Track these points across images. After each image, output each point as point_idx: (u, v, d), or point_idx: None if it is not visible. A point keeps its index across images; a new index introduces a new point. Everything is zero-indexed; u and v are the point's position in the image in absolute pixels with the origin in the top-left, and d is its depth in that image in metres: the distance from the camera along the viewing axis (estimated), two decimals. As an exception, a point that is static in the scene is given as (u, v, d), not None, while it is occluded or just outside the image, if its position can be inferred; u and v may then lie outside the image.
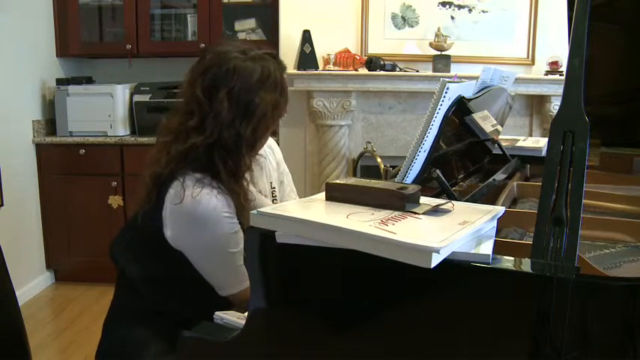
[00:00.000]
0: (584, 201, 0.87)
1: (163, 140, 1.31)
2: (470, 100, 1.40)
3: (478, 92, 1.50)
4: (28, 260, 3.34)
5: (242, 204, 1.29)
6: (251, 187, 1.47)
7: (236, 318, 1.12)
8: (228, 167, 1.26)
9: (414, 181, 1.22)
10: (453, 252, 0.85)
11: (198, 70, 1.29)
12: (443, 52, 3.33)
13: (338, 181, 1.07)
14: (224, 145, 1.25)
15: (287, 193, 1.94)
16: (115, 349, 1.35)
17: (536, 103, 3.48)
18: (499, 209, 1.03)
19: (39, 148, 3.40)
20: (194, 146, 1.25)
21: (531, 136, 3.38)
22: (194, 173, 1.25)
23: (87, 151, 3.39)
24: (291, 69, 3.27)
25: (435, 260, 0.81)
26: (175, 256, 1.26)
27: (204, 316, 1.26)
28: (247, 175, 1.35)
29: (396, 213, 0.96)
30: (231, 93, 1.25)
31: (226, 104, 1.24)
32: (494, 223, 1.00)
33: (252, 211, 0.99)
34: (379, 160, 2.43)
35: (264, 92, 1.28)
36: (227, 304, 1.31)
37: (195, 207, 1.22)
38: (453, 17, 3.41)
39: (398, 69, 3.35)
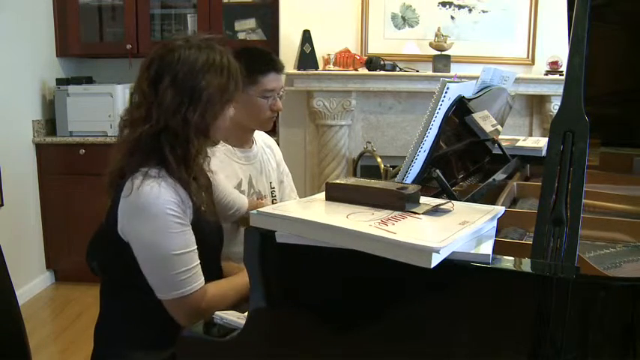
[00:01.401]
0: (584, 201, 0.87)
1: (119, 137, 1.32)
2: (470, 100, 1.40)
3: (478, 92, 1.50)
4: (28, 260, 3.34)
5: (195, 192, 1.27)
6: (212, 175, 1.45)
7: (236, 318, 1.12)
8: (176, 155, 1.24)
9: (414, 181, 1.22)
10: (453, 252, 0.85)
11: (145, 64, 1.29)
12: (443, 52, 3.33)
13: (338, 181, 1.07)
14: (172, 132, 1.24)
15: (287, 193, 1.94)
16: (104, 353, 1.35)
17: (536, 103, 3.48)
18: (499, 209, 1.03)
19: (39, 148, 3.40)
20: (141, 136, 1.24)
21: (531, 136, 3.38)
22: (144, 167, 1.24)
23: (87, 151, 3.39)
24: (291, 69, 3.27)
25: (435, 260, 0.81)
26: (130, 252, 1.25)
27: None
28: (201, 161, 1.33)
29: (396, 213, 0.96)
30: (175, 80, 1.24)
31: (170, 91, 1.23)
32: (494, 223, 1.00)
33: (252, 211, 0.99)
34: (379, 160, 2.44)
35: (210, 76, 1.26)
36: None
37: (137, 197, 1.21)
38: (453, 17, 3.41)
39: (398, 69, 3.35)
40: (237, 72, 1.32)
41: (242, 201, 1.62)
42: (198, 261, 1.26)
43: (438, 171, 1.26)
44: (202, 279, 1.26)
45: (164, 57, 1.26)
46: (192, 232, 1.26)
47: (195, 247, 1.26)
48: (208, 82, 1.26)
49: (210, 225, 1.35)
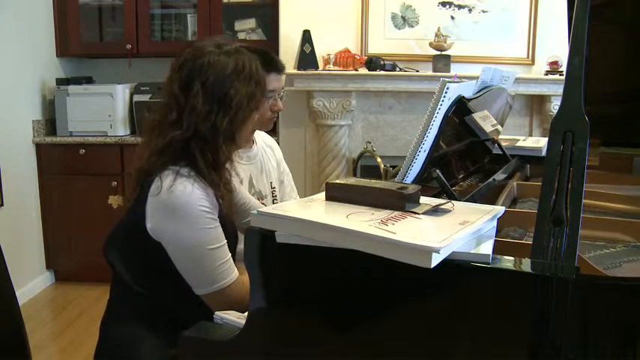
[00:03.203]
0: (584, 201, 0.87)
1: (147, 137, 1.34)
2: (470, 100, 1.40)
3: (478, 92, 1.50)
4: (28, 260, 3.34)
5: (223, 194, 1.30)
6: (234, 180, 1.45)
7: (236, 318, 1.12)
8: (207, 159, 1.27)
9: (414, 181, 1.22)
10: (453, 252, 0.85)
11: (176, 66, 1.31)
12: (443, 52, 3.33)
13: (338, 181, 1.07)
14: (201, 138, 1.26)
15: (287, 193, 1.94)
16: (111, 348, 1.35)
17: (536, 103, 3.48)
18: (499, 209, 1.03)
19: (39, 148, 3.40)
20: (172, 141, 1.26)
21: (531, 136, 3.38)
22: (173, 166, 1.26)
23: (87, 151, 3.39)
24: (291, 69, 3.27)
25: (435, 260, 0.81)
26: (158, 250, 1.27)
27: (197, 311, 1.26)
28: (229, 166, 1.35)
29: (396, 213, 0.96)
30: (205, 86, 1.26)
31: (201, 97, 1.26)
32: (494, 223, 1.00)
33: (252, 211, 0.99)
34: (379, 160, 2.44)
35: (239, 84, 1.29)
36: None
37: (171, 196, 1.23)
38: (453, 17, 3.41)
39: (398, 69, 3.35)
40: (264, 79, 1.36)
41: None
42: (230, 253, 1.31)
43: (438, 171, 1.26)
44: (236, 270, 1.31)
45: (195, 61, 1.28)
46: (220, 226, 1.30)
47: (225, 240, 1.30)
48: (237, 90, 1.28)
49: (229, 226, 1.38)
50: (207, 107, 1.26)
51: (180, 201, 1.23)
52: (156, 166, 1.27)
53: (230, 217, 1.40)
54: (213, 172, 1.28)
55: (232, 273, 1.30)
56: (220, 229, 1.29)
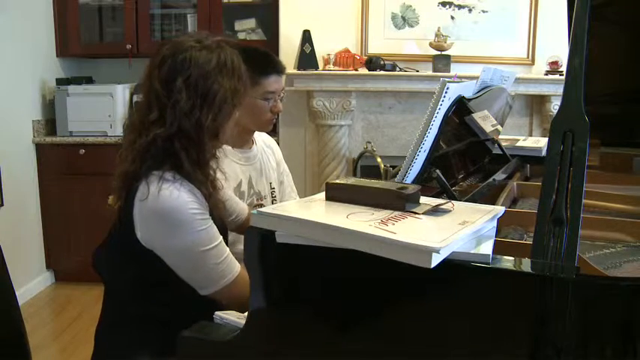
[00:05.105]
0: (584, 201, 0.87)
1: (128, 137, 1.29)
2: (470, 100, 1.40)
3: (478, 92, 1.50)
4: (28, 260, 3.34)
5: (210, 192, 1.28)
6: (219, 175, 1.44)
7: (236, 318, 1.12)
8: (191, 156, 1.24)
9: (414, 181, 1.22)
10: (453, 252, 0.85)
11: (155, 63, 1.27)
12: (443, 52, 3.33)
13: (338, 181, 1.07)
14: (185, 135, 1.23)
15: (287, 193, 1.94)
16: (106, 357, 1.35)
17: (536, 103, 3.48)
18: (499, 209, 1.03)
19: (39, 148, 3.40)
20: (155, 138, 1.23)
21: (531, 136, 3.38)
22: (158, 170, 1.23)
23: (87, 151, 3.39)
24: (291, 69, 3.27)
25: (435, 260, 0.81)
26: (149, 258, 1.25)
27: (192, 318, 1.26)
28: (214, 164, 1.33)
29: (396, 213, 0.96)
30: (188, 81, 1.23)
31: (184, 93, 1.22)
32: (494, 223, 1.00)
33: (252, 211, 0.99)
34: (379, 160, 2.43)
35: (222, 79, 1.26)
36: (212, 302, 1.29)
37: (158, 204, 1.20)
38: (453, 17, 3.41)
39: (398, 69, 3.35)
40: (245, 74, 1.33)
41: (242, 207, 1.61)
42: (228, 248, 1.30)
43: (438, 171, 1.26)
44: (237, 263, 1.30)
45: (176, 57, 1.25)
46: (214, 223, 1.28)
47: (221, 237, 1.29)
48: (221, 85, 1.25)
49: (217, 221, 1.36)
50: (190, 103, 1.22)
51: (168, 207, 1.21)
52: (140, 170, 1.24)
53: (217, 213, 1.38)
54: (199, 170, 1.26)
55: (236, 265, 1.29)
56: (215, 228, 1.27)
